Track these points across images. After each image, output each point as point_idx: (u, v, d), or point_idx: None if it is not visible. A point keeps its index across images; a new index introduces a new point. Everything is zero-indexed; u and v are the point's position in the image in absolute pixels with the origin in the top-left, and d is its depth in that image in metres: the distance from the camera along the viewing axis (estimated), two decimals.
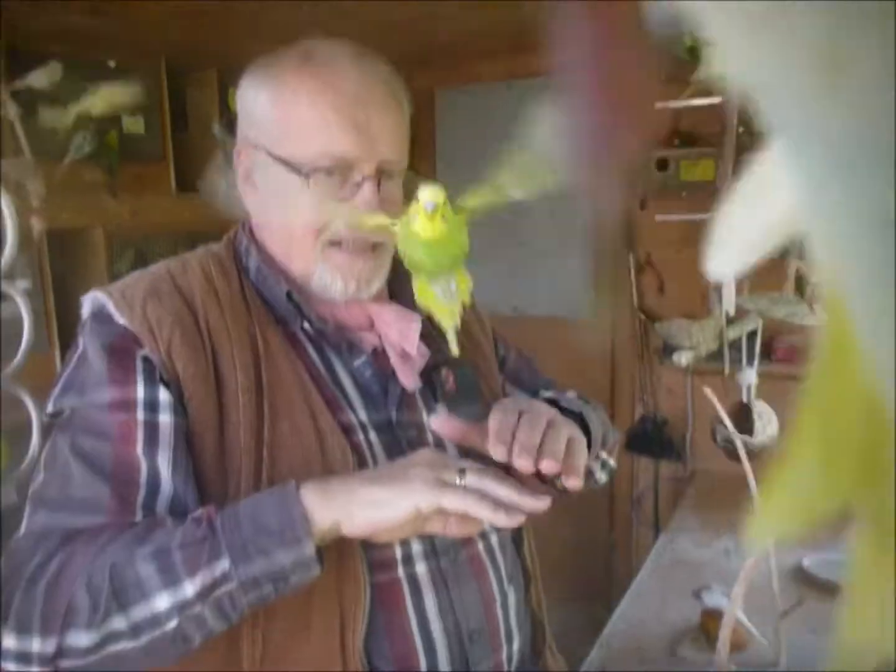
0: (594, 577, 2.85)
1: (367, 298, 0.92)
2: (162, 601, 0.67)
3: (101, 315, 0.81)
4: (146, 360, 0.78)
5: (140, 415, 0.76)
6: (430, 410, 0.93)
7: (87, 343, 0.80)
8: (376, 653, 0.84)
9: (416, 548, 0.87)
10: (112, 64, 2.22)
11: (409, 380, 0.90)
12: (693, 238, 2.58)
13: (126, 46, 2.21)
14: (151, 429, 0.76)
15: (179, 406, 0.78)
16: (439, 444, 0.92)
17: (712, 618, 1.51)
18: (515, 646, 0.97)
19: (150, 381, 0.77)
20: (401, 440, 0.89)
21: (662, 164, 2.48)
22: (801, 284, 1.49)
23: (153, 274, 0.87)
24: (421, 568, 0.87)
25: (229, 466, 0.80)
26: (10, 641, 0.68)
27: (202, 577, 0.67)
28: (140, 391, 0.77)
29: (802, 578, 1.76)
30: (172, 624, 0.67)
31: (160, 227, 2.34)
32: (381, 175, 0.85)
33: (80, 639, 0.68)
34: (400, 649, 0.85)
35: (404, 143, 0.88)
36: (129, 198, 2.26)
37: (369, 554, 0.83)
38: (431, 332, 0.98)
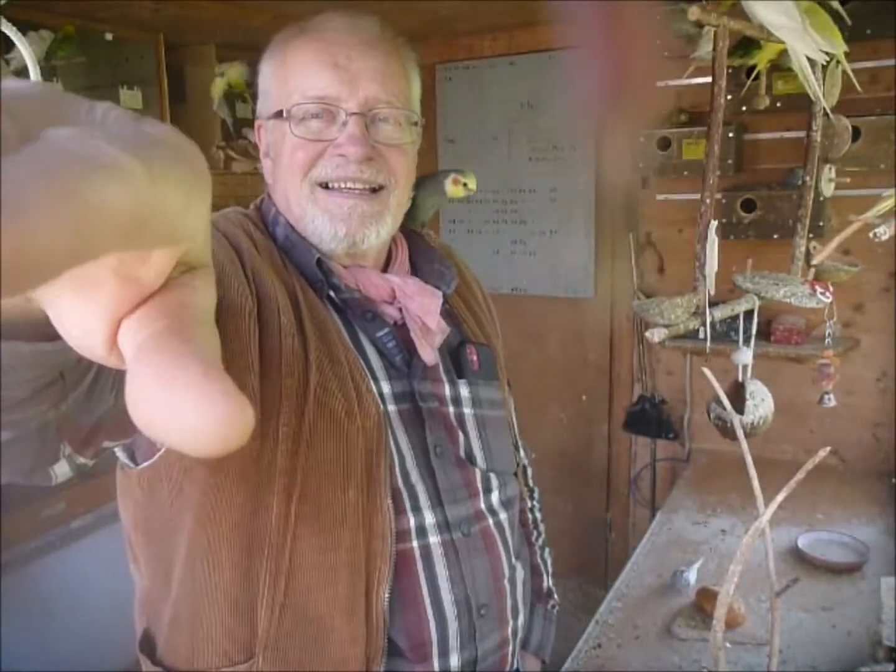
0: (591, 556, 2.88)
1: (369, 255, 0.91)
2: None
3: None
4: None
5: None
6: (452, 385, 0.94)
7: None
8: (390, 623, 0.84)
9: (429, 519, 0.87)
10: (109, 37, 2.20)
11: (427, 353, 0.90)
12: (695, 218, 2.57)
13: (124, 20, 2.18)
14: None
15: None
16: (459, 417, 0.93)
17: (707, 596, 1.52)
18: (520, 621, 0.98)
19: None
20: (421, 410, 0.90)
21: (664, 143, 2.46)
22: (808, 265, 1.48)
23: None
24: (434, 540, 0.87)
25: (264, 408, 0.75)
26: None
27: None
28: None
29: (797, 558, 1.78)
30: None
31: None
32: (370, 114, 0.83)
33: None
34: (412, 620, 0.86)
35: (399, 87, 0.85)
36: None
37: None
38: (453, 312, 1.01)
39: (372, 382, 0.86)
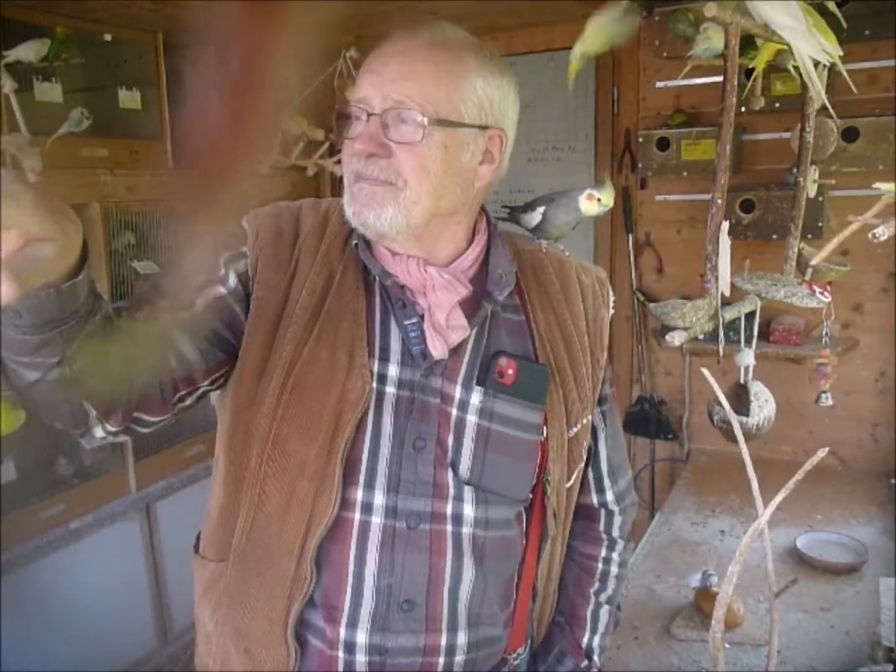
0: None
1: (384, 239, 0.92)
2: None
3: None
4: (243, 253, 0.93)
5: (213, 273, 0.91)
6: (465, 389, 0.93)
7: None
8: (317, 576, 0.91)
9: (378, 500, 0.90)
10: (108, 38, 2.20)
11: (436, 347, 0.91)
12: (693, 218, 2.58)
13: (124, 21, 2.18)
14: (211, 283, 0.90)
15: (244, 297, 0.92)
16: (459, 422, 0.92)
17: (706, 597, 1.53)
18: (462, 638, 0.95)
19: (234, 266, 0.92)
20: (414, 401, 0.91)
21: (663, 144, 2.46)
22: (801, 265, 1.48)
23: (293, 202, 1.01)
24: (376, 520, 0.90)
25: (268, 367, 0.91)
26: None
27: None
28: (222, 266, 0.91)
29: (796, 558, 1.78)
30: None
31: (157, 203, 2.33)
32: (386, 114, 0.87)
33: None
34: (332, 582, 0.91)
35: (426, 89, 0.87)
36: (126, 174, 2.24)
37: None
38: (526, 325, 0.99)
39: (376, 362, 0.91)
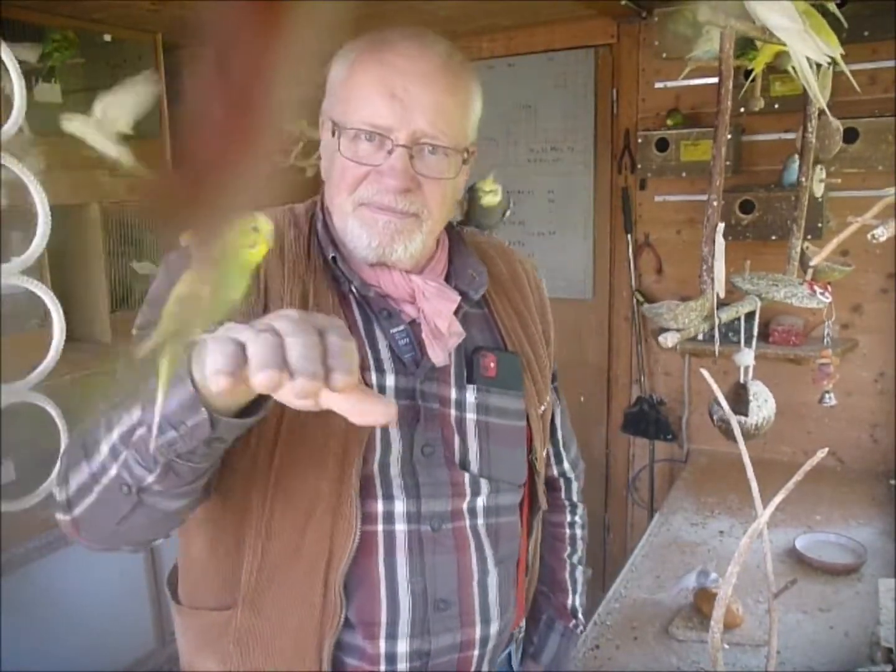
0: (589, 557, 2.86)
1: (399, 264, 0.92)
2: (105, 447, 0.72)
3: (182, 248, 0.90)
4: None
5: None
6: (459, 389, 0.95)
7: (165, 265, 0.90)
8: (347, 597, 0.89)
9: (399, 508, 0.90)
10: (108, 38, 2.20)
11: (437, 355, 0.92)
12: (693, 219, 2.58)
13: (123, 21, 2.18)
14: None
15: None
16: (460, 421, 0.94)
17: (706, 597, 1.53)
18: (494, 628, 0.97)
19: None
20: (419, 409, 0.92)
21: (662, 145, 2.46)
22: (803, 266, 1.48)
23: None
24: (400, 528, 0.90)
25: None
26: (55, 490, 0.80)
27: (124, 423, 0.70)
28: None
29: (795, 559, 1.78)
30: (113, 471, 0.72)
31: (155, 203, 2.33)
32: (415, 147, 0.87)
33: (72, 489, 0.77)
34: (365, 598, 0.89)
35: (453, 121, 0.87)
36: (125, 174, 2.24)
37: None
38: (490, 316, 1.02)
39: (373, 374, 0.90)
